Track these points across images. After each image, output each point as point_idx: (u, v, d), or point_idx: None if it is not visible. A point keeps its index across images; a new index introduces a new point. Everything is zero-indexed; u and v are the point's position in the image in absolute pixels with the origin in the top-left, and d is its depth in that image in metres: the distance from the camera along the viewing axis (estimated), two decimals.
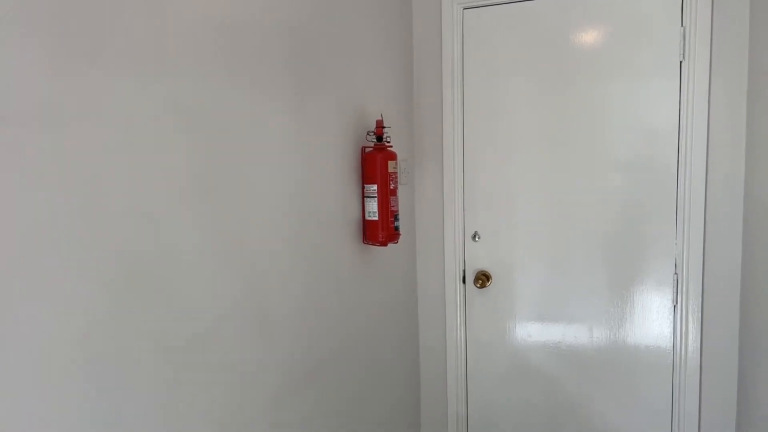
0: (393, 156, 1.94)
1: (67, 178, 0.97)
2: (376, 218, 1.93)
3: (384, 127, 1.93)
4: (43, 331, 0.94)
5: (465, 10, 2.36)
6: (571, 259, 2.30)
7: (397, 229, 1.97)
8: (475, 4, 2.33)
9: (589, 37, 2.20)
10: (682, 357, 2.18)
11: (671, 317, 2.19)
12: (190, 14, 1.23)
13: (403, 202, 2.37)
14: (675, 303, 2.18)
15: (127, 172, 1.09)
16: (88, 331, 1.01)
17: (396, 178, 1.96)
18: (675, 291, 2.17)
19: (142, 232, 1.12)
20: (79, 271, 0.99)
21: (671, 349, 2.20)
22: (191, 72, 1.24)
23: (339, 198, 1.85)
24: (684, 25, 2.07)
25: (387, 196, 1.92)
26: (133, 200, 1.10)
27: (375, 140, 1.93)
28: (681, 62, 2.09)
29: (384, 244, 1.95)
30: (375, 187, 1.91)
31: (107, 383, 1.05)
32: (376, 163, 1.90)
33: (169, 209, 1.19)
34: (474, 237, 2.44)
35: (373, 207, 1.93)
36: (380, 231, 1.93)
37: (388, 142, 1.96)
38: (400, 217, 2.33)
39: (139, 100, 1.11)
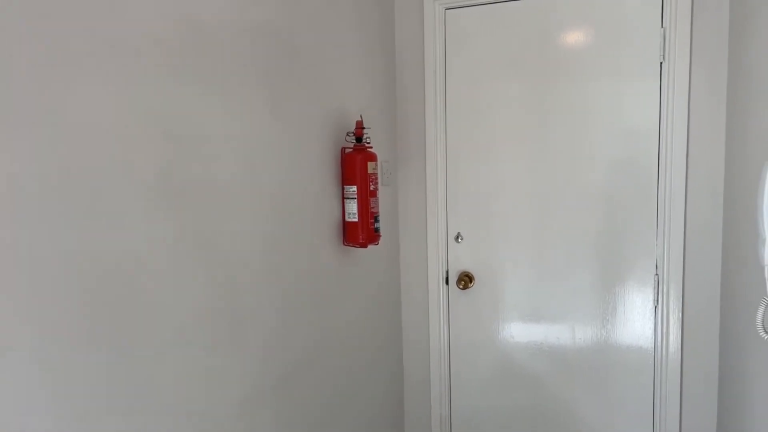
0: (373, 157, 1.93)
1: (29, 179, 0.95)
2: (356, 220, 1.91)
3: (364, 128, 1.92)
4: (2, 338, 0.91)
5: (447, 11, 2.35)
6: (553, 261, 2.30)
7: (377, 230, 1.96)
8: (457, 4, 2.32)
9: (571, 38, 2.20)
10: (664, 357, 2.18)
11: (652, 317, 2.20)
12: (155, 13, 1.21)
13: (385, 203, 2.35)
14: (656, 303, 2.18)
15: (92, 172, 1.06)
16: (47, 335, 0.99)
17: (376, 179, 1.95)
18: (656, 291, 2.17)
19: (106, 234, 1.10)
20: (37, 275, 0.97)
21: (652, 349, 2.21)
22: (159, 71, 1.21)
23: (318, 199, 1.83)
24: (664, 26, 2.07)
25: (367, 198, 1.91)
26: (98, 201, 1.08)
27: (355, 141, 1.92)
28: (661, 63, 2.09)
29: (364, 245, 1.94)
30: (354, 188, 1.90)
31: (69, 390, 1.03)
32: (355, 164, 1.89)
33: (136, 210, 1.16)
34: (457, 238, 2.43)
35: (352, 208, 1.91)
36: (360, 232, 1.92)
37: (368, 143, 1.94)
38: (382, 218, 2.31)
39: (104, 100, 1.09)
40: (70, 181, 1.02)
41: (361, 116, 2.00)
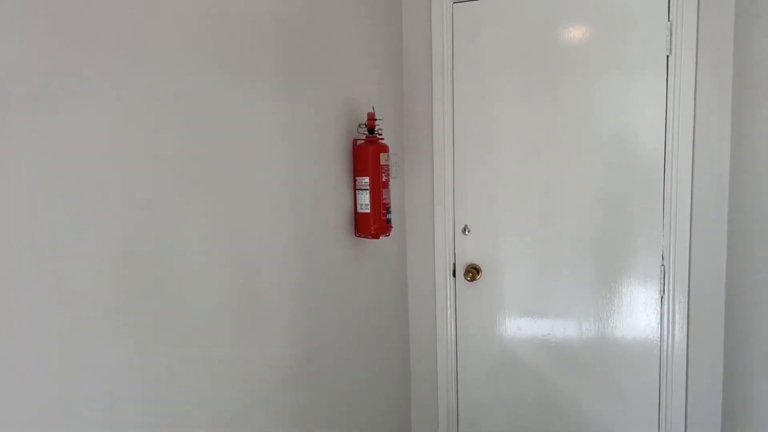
0: (385, 148, 1.94)
1: (63, 168, 0.95)
2: (368, 211, 1.92)
3: (376, 120, 1.93)
4: (35, 326, 0.92)
5: (455, 4, 2.36)
6: (560, 252, 2.32)
7: (389, 221, 1.97)
8: None
9: (578, 31, 2.22)
10: (669, 348, 2.21)
11: (658, 308, 2.22)
12: (185, 2, 1.21)
13: (393, 195, 2.37)
14: (662, 294, 2.21)
15: (122, 161, 1.07)
16: (81, 323, 1.00)
17: (388, 170, 1.96)
18: (662, 282, 2.20)
19: (136, 222, 1.10)
20: (72, 262, 0.98)
21: (658, 340, 2.23)
22: (186, 61, 1.22)
23: (331, 190, 1.84)
24: (671, 19, 2.10)
25: (379, 189, 1.92)
26: (129, 189, 1.08)
27: (367, 132, 1.93)
28: (668, 56, 2.12)
29: (376, 236, 1.95)
30: (367, 179, 1.91)
31: (100, 375, 1.04)
32: (368, 155, 1.90)
33: (164, 199, 1.17)
34: (464, 230, 2.45)
35: (365, 200, 1.92)
36: (372, 224, 1.93)
37: (380, 134, 1.95)
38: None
39: (135, 89, 1.09)
40: (102, 168, 1.02)
41: (373, 108, 2.01)
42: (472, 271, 2.43)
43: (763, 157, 1.75)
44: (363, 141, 1.93)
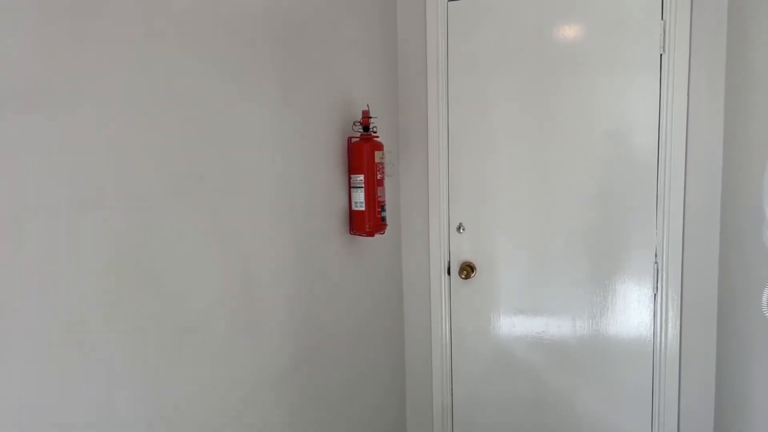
0: (380, 146, 1.95)
1: (55, 163, 0.95)
2: (363, 208, 1.93)
3: (370, 117, 1.93)
4: (32, 323, 0.92)
5: (450, 3, 2.37)
6: (554, 251, 2.33)
7: (383, 219, 1.98)
8: None
9: (573, 30, 2.23)
10: (662, 344, 2.22)
11: (651, 305, 2.24)
12: None
13: (387, 193, 2.37)
14: (655, 291, 2.22)
15: (116, 158, 1.07)
16: (75, 321, 1.00)
17: (383, 168, 1.97)
18: (655, 279, 2.22)
19: (131, 220, 1.10)
20: (68, 260, 0.98)
21: (651, 336, 2.25)
22: (182, 56, 1.22)
23: (325, 188, 1.85)
24: (664, 18, 2.11)
25: (374, 186, 1.92)
26: (123, 186, 1.08)
27: (362, 130, 1.93)
28: (661, 55, 2.13)
29: (371, 234, 1.95)
30: (362, 177, 1.91)
31: (98, 374, 1.04)
32: (362, 153, 1.90)
33: (160, 196, 1.17)
34: (459, 228, 2.46)
35: (359, 197, 1.93)
36: (367, 221, 1.93)
37: (375, 132, 1.96)
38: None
39: (130, 84, 1.09)
40: (98, 166, 1.02)
41: (368, 105, 2.02)
42: (467, 269, 2.44)
43: (756, 155, 1.76)
44: (358, 139, 1.94)
